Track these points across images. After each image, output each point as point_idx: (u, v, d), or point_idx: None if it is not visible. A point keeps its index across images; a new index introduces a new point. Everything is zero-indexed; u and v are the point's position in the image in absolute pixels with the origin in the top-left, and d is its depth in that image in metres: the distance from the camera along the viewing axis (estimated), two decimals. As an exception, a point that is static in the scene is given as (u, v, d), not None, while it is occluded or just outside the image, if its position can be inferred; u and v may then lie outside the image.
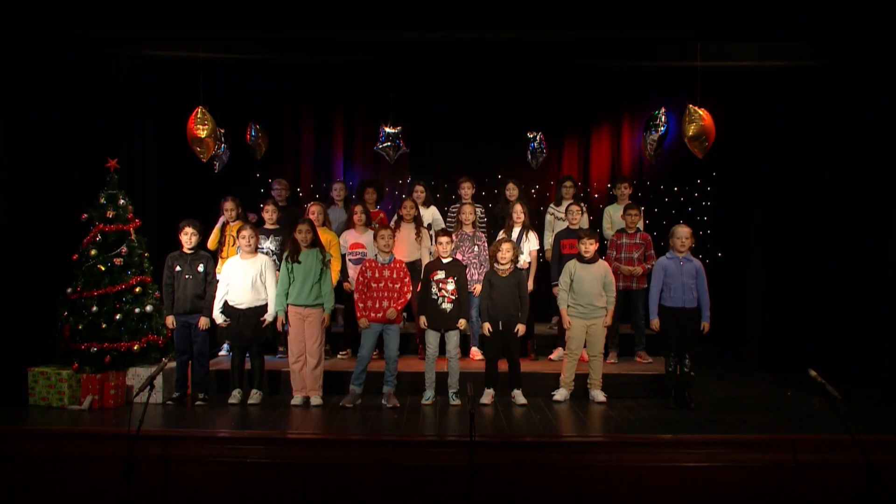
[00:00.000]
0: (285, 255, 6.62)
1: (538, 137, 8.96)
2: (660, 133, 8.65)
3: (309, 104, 9.77)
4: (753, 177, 8.65)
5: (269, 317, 6.62)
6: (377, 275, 6.52)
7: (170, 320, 6.61)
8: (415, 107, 9.18)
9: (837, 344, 7.62)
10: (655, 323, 6.60)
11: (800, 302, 8.19)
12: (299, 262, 6.50)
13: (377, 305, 6.49)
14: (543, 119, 9.19)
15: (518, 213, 7.62)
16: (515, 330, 6.58)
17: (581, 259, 6.76)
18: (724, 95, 8.69)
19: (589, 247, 6.71)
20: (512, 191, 8.20)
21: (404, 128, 8.76)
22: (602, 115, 9.79)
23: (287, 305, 6.51)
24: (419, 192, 8.27)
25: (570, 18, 6.61)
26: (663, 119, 8.63)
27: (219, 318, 6.60)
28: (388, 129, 8.72)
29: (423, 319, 6.68)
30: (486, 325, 6.59)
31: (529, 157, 9.04)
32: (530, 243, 7.57)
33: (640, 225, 7.93)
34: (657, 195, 9.54)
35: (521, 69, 8.65)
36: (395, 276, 6.54)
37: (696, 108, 7.28)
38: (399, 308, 6.54)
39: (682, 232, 6.61)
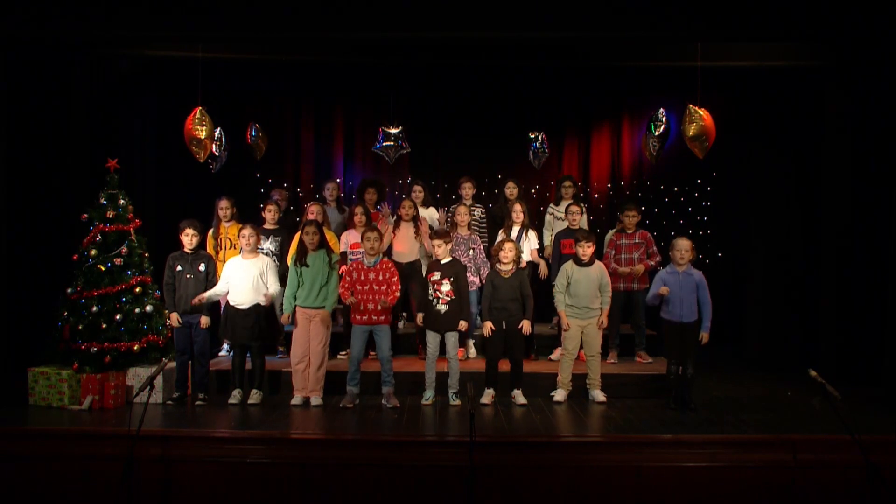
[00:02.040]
0: (293, 258, 6.62)
1: (540, 137, 8.96)
2: (660, 132, 8.66)
3: (309, 104, 9.76)
4: (753, 177, 8.65)
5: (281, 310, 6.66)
6: (362, 277, 6.52)
7: (174, 317, 6.59)
8: (415, 107, 9.17)
9: (837, 344, 7.62)
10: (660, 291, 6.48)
11: (800, 302, 8.19)
12: (307, 266, 6.51)
13: (361, 308, 6.49)
14: (543, 119, 9.19)
15: (518, 212, 7.62)
16: (520, 327, 6.56)
17: (578, 261, 6.76)
18: (724, 95, 8.69)
19: (586, 249, 6.71)
20: (511, 189, 8.20)
21: (405, 127, 8.76)
22: (602, 115, 9.77)
23: (295, 307, 6.54)
24: (418, 192, 8.26)
25: (570, 18, 6.61)
26: (663, 119, 8.64)
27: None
28: (389, 130, 8.71)
29: (420, 316, 6.66)
30: (488, 325, 6.58)
31: (531, 157, 9.04)
32: (530, 242, 7.58)
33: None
34: (657, 195, 9.54)
35: (521, 69, 8.65)
36: (380, 277, 6.52)
37: (696, 108, 7.28)
38: (391, 301, 6.50)
39: (682, 245, 6.52)
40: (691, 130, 7.26)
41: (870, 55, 7.26)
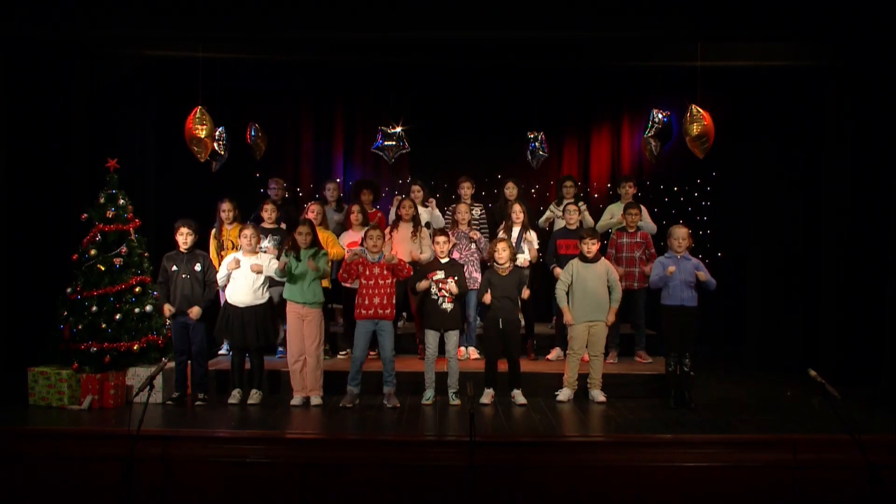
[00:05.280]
0: (285, 249, 6.62)
1: (539, 137, 8.96)
2: (652, 133, 8.68)
3: (309, 104, 9.76)
4: (753, 177, 8.65)
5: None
6: (367, 272, 6.54)
7: (167, 307, 6.56)
8: (414, 107, 9.16)
9: (837, 344, 7.62)
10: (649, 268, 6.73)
11: (799, 302, 8.19)
12: (300, 260, 6.52)
13: (367, 302, 6.50)
14: (543, 119, 9.20)
15: (517, 212, 7.61)
16: (519, 293, 6.55)
17: (583, 259, 6.76)
18: (725, 95, 8.68)
19: (591, 247, 6.71)
20: (511, 190, 8.19)
21: (405, 127, 8.75)
22: (602, 115, 9.78)
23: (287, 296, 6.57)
24: (416, 191, 8.24)
25: (570, 18, 6.61)
26: (657, 119, 8.66)
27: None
28: (389, 130, 8.71)
29: (421, 285, 6.62)
30: (487, 295, 6.52)
31: (529, 156, 9.04)
32: (531, 243, 7.55)
33: (647, 219, 7.91)
34: (657, 195, 9.54)
35: (521, 69, 8.65)
36: (383, 272, 6.55)
37: (698, 108, 7.27)
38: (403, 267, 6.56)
39: (679, 233, 6.61)
40: (694, 130, 7.25)
41: (871, 55, 7.25)
